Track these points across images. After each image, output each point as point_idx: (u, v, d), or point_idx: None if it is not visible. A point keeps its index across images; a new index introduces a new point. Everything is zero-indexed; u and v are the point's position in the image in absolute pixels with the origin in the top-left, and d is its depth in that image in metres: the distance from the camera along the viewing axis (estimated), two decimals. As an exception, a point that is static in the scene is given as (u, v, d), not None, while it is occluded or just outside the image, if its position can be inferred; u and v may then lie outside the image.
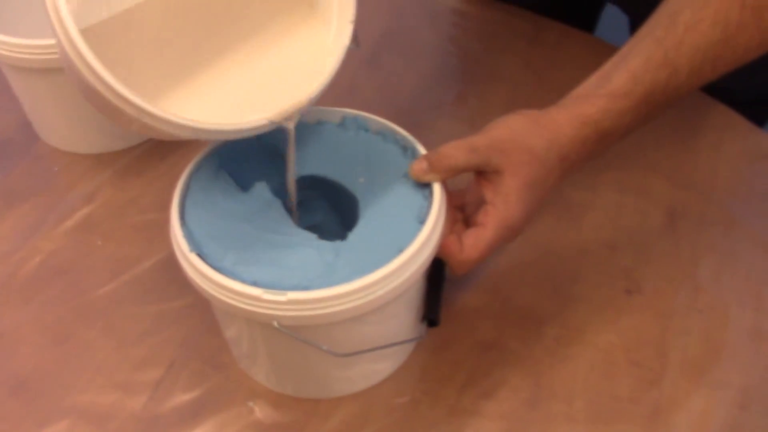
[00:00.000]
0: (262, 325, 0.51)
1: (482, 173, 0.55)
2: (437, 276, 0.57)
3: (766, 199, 0.70)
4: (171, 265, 0.66)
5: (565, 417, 0.56)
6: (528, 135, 0.54)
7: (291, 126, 0.53)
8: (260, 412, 0.58)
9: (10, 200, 0.73)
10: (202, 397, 0.59)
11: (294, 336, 0.50)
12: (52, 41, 0.67)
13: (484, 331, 0.61)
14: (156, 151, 0.77)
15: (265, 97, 0.54)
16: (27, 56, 0.68)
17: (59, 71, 0.69)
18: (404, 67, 0.84)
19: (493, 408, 0.57)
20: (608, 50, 0.57)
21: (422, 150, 0.56)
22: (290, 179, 0.56)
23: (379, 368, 0.58)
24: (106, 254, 0.68)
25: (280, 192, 0.57)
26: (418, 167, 0.54)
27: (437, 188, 0.54)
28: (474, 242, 0.53)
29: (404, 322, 0.56)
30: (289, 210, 0.56)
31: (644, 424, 0.56)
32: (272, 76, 0.56)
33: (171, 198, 0.71)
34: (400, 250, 0.50)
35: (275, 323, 0.49)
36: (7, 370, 0.61)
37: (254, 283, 0.49)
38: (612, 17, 0.94)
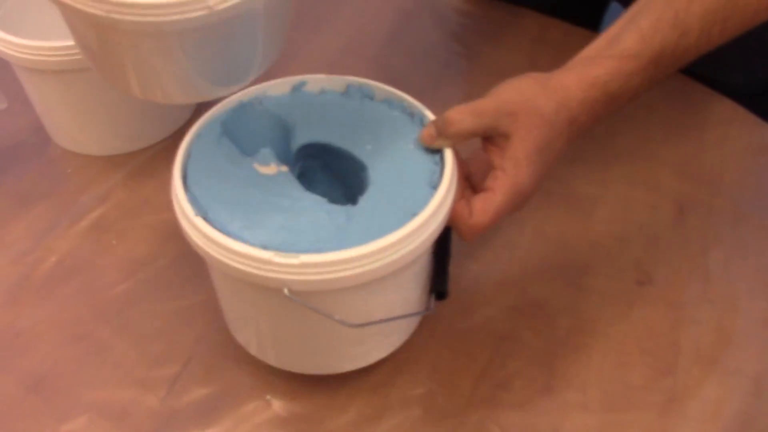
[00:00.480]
0: (269, 294, 0.49)
1: (489, 138, 0.54)
2: (444, 247, 0.56)
3: (773, 191, 0.71)
4: (186, 263, 0.67)
5: (580, 406, 0.57)
6: (537, 97, 0.53)
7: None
8: (278, 405, 0.58)
9: (23, 202, 0.73)
10: (220, 391, 0.59)
11: (304, 304, 0.48)
12: (64, 43, 0.67)
13: (497, 323, 0.62)
14: (168, 152, 0.76)
15: None
16: (40, 58, 0.69)
17: (72, 73, 0.70)
18: (411, 66, 0.85)
19: (509, 398, 0.58)
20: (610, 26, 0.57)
21: (430, 115, 0.56)
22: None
23: (387, 341, 0.57)
24: (121, 253, 0.69)
25: (283, 159, 0.56)
26: (427, 133, 0.54)
27: (448, 153, 0.53)
28: (483, 207, 0.52)
29: (414, 293, 0.55)
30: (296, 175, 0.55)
31: (658, 412, 0.57)
32: None
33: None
34: (414, 215, 0.49)
35: (286, 290, 0.47)
36: (26, 367, 0.61)
37: (264, 247, 0.47)
38: (616, 16, 0.95)
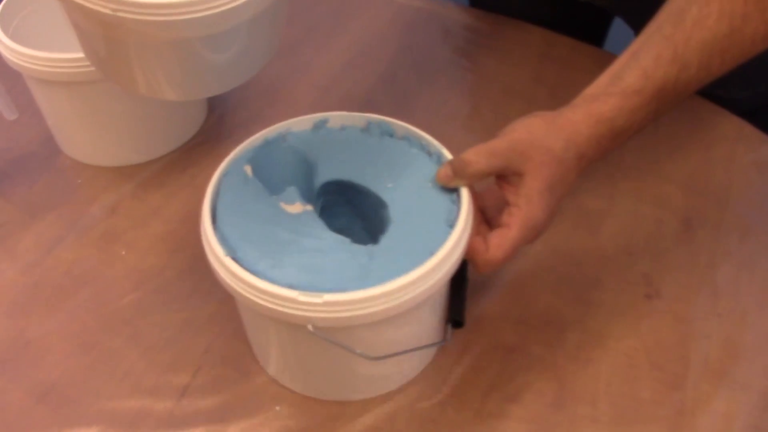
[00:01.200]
0: (294, 328, 0.51)
1: (503, 176, 0.56)
2: (460, 277, 0.58)
3: (780, 207, 0.71)
4: (194, 274, 0.68)
5: (590, 419, 0.57)
6: (546, 136, 0.55)
7: None
8: (287, 416, 0.58)
9: (33, 212, 0.74)
10: (229, 401, 0.59)
11: (326, 339, 0.50)
12: (75, 55, 0.68)
13: (506, 337, 0.62)
14: (177, 163, 0.78)
15: None
16: (51, 69, 0.69)
17: (83, 85, 0.71)
18: (419, 82, 0.86)
19: (518, 411, 0.58)
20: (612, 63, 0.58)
21: (447, 154, 0.58)
22: None
23: (405, 370, 0.59)
24: (130, 264, 0.69)
25: (309, 196, 0.58)
26: (444, 174, 0.56)
27: (464, 192, 0.55)
28: (499, 242, 0.54)
29: (430, 324, 0.57)
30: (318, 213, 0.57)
31: (668, 426, 0.57)
32: None
33: (193, 209, 0.72)
34: (432, 253, 0.51)
35: (310, 326, 0.49)
36: (35, 377, 0.61)
37: (290, 286, 0.50)
38: (620, 31, 0.96)
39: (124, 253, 0.70)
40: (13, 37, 0.71)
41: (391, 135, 0.61)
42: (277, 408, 0.59)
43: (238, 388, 0.60)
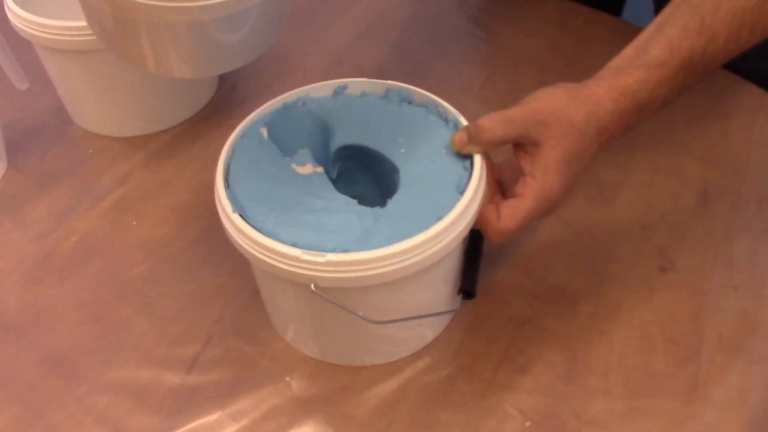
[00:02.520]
0: (299, 287, 0.51)
1: (521, 145, 0.55)
2: (475, 248, 0.57)
3: (800, 179, 0.70)
4: (205, 245, 0.67)
5: (602, 391, 0.56)
6: (567, 107, 0.54)
7: None
8: (297, 387, 0.58)
9: (44, 182, 0.74)
10: (239, 372, 0.59)
11: (329, 300, 0.50)
12: (84, 23, 0.67)
13: (518, 309, 0.61)
14: (188, 134, 0.77)
15: None
16: (61, 38, 0.69)
17: (94, 53, 0.70)
18: (433, 52, 0.85)
19: (529, 383, 0.57)
20: (635, 33, 0.57)
21: (464, 122, 0.57)
22: None
23: (417, 338, 0.59)
24: (141, 234, 0.69)
25: (322, 159, 0.58)
26: (459, 139, 0.55)
27: (478, 159, 0.54)
28: (512, 212, 0.53)
29: (440, 293, 0.57)
30: (330, 176, 0.57)
31: (682, 399, 0.56)
32: None
33: (204, 179, 0.72)
34: (439, 218, 0.50)
35: (312, 286, 0.49)
36: (47, 346, 0.61)
37: (294, 244, 0.50)
38: (638, 1, 0.94)
39: (135, 223, 0.70)
40: (23, 6, 0.70)
41: (410, 102, 0.60)
42: (287, 378, 0.58)
43: (249, 358, 0.60)
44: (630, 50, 0.56)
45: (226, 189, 0.54)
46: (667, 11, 0.56)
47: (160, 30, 0.56)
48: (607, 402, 0.56)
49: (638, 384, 0.57)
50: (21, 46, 0.74)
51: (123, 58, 0.62)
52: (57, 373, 0.60)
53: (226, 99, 0.81)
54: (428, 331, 0.59)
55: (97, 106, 0.76)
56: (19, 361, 0.61)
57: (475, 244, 0.58)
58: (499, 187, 0.58)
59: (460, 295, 0.57)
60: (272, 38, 0.63)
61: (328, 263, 0.49)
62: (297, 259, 0.49)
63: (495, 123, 0.54)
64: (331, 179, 0.57)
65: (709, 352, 0.58)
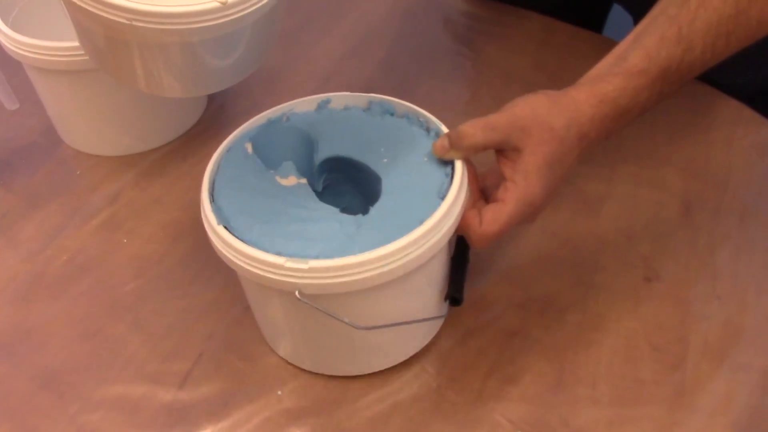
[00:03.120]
0: (285, 295, 0.52)
1: (502, 151, 0.55)
2: (461, 255, 0.58)
3: (780, 189, 0.71)
4: (195, 261, 0.68)
5: (590, 400, 0.57)
6: (548, 113, 0.54)
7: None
8: (289, 400, 0.58)
9: (34, 201, 0.74)
10: (231, 386, 0.59)
11: (315, 307, 0.51)
12: (75, 43, 0.68)
13: (507, 320, 0.62)
14: (178, 151, 0.78)
15: None
16: (51, 58, 0.70)
17: (83, 73, 0.71)
18: (418, 68, 0.86)
19: (518, 393, 0.58)
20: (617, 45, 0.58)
21: (445, 130, 0.58)
22: None
23: (404, 347, 0.59)
24: (132, 252, 0.69)
25: (307, 172, 0.59)
26: (440, 145, 0.56)
27: (459, 165, 0.55)
28: (493, 216, 0.54)
29: (426, 299, 0.57)
30: (315, 188, 0.58)
31: (668, 407, 0.57)
32: None
33: (194, 197, 0.72)
34: (420, 223, 0.51)
35: (297, 293, 0.50)
36: (38, 364, 0.62)
37: (278, 253, 0.50)
38: (619, 17, 0.96)
39: (125, 241, 0.70)
40: (13, 27, 0.71)
41: (392, 113, 0.61)
42: (279, 392, 0.59)
43: (240, 373, 0.60)
44: (609, 59, 0.57)
45: (211, 203, 0.55)
46: (645, 21, 0.57)
47: (152, 50, 0.57)
48: (596, 410, 0.57)
49: (625, 392, 0.58)
50: (11, 67, 0.75)
51: (114, 77, 0.63)
52: (49, 390, 0.60)
53: (215, 117, 0.82)
54: (417, 339, 0.60)
55: (87, 126, 0.77)
56: (11, 378, 0.61)
57: (460, 250, 0.58)
58: (483, 194, 0.58)
59: (447, 302, 0.58)
60: (262, 58, 0.64)
61: (311, 270, 0.50)
62: (281, 267, 0.50)
63: (476, 129, 0.55)
64: (316, 192, 0.58)
65: (695, 359, 0.59)
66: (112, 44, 0.59)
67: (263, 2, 0.55)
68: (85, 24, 0.59)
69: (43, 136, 0.80)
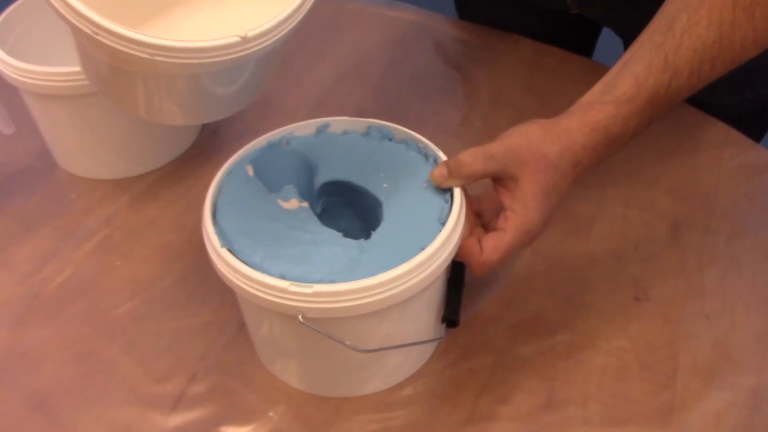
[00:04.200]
0: (287, 318, 0.52)
1: (499, 180, 0.57)
2: (458, 278, 0.59)
3: (766, 210, 0.72)
4: (189, 283, 0.68)
5: (581, 419, 0.58)
6: (542, 142, 0.56)
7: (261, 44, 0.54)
8: (281, 422, 0.59)
9: (29, 225, 0.74)
10: (224, 408, 0.60)
11: (317, 330, 0.51)
12: (71, 69, 0.69)
13: (498, 339, 0.63)
14: (173, 175, 0.79)
15: (237, 22, 0.56)
16: (47, 83, 0.70)
17: (79, 98, 0.72)
18: (410, 93, 0.87)
19: (510, 412, 0.58)
20: (605, 72, 0.59)
21: (443, 157, 0.59)
22: None
23: (400, 370, 0.60)
24: (126, 274, 0.70)
25: (307, 195, 0.60)
26: (439, 173, 0.57)
27: (457, 192, 0.56)
28: (494, 245, 0.55)
29: (425, 321, 0.58)
30: (315, 211, 0.59)
31: (658, 426, 0.57)
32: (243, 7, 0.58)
33: (188, 219, 0.73)
34: (422, 248, 0.52)
35: (300, 317, 0.51)
36: (31, 386, 0.62)
37: (282, 276, 0.51)
38: (608, 41, 0.98)
39: (119, 263, 0.71)
40: (10, 52, 0.72)
41: (390, 139, 0.62)
42: (271, 414, 0.59)
43: (233, 393, 0.60)
44: (599, 87, 0.58)
45: (214, 225, 0.55)
46: (632, 49, 0.58)
47: (159, 80, 0.57)
48: (586, 429, 0.57)
49: (616, 411, 0.58)
50: (7, 91, 0.75)
51: (115, 103, 0.63)
52: (41, 413, 0.60)
53: (209, 141, 0.83)
54: (412, 361, 0.60)
55: (82, 150, 0.77)
56: (3, 401, 0.61)
57: (457, 273, 0.59)
58: (479, 219, 0.60)
59: (444, 324, 0.59)
60: (264, 87, 0.65)
61: (315, 294, 0.50)
62: (285, 290, 0.51)
63: (476, 158, 0.56)
64: (316, 215, 0.58)
65: (684, 378, 0.60)
66: (116, 73, 0.59)
67: (280, 35, 0.56)
68: (93, 53, 0.59)
69: (38, 160, 0.81)
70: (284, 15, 0.54)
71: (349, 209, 0.62)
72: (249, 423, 0.59)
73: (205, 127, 0.84)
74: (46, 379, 0.62)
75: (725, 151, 0.77)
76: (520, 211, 0.56)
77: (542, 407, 0.58)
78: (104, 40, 0.51)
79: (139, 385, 0.61)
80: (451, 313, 0.58)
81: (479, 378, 0.60)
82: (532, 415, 0.58)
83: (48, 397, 0.61)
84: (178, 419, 0.59)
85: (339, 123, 0.63)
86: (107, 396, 0.61)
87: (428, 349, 0.61)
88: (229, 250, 0.53)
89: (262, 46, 0.55)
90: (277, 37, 0.56)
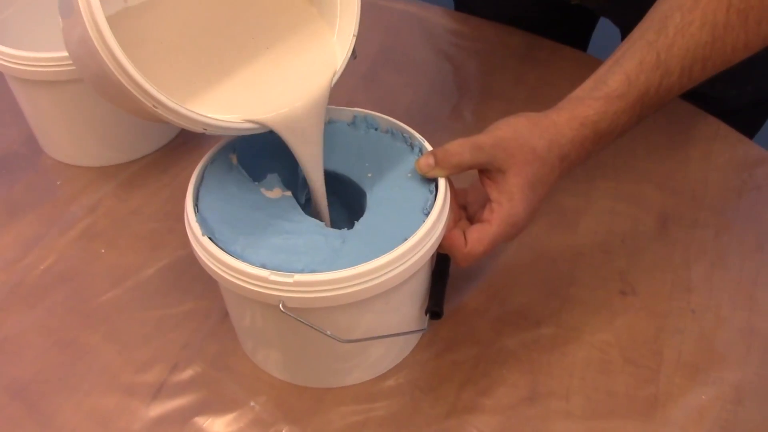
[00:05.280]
0: (268, 308, 0.52)
1: (486, 172, 0.56)
2: (442, 269, 0.59)
3: (755, 205, 0.72)
4: (173, 272, 0.68)
5: (564, 413, 0.57)
6: (530, 136, 0.56)
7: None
8: (262, 412, 0.58)
9: (13, 212, 0.74)
10: (205, 398, 0.59)
11: (298, 320, 0.51)
12: (56, 54, 0.68)
13: (482, 332, 0.62)
14: (158, 163, 0.78)
15: (264, 99, 0.55)
16: (32, 68, 0.70)
17: (64, 84, 0.71)
18: (401, 83, 0.87)
19: (492, 405, 0.58)
20: (597, 66, 0.59)
21: (429, 147, 0.58)
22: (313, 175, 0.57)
23: (382, 361, 0.60)
24: (109, 262, 0.69)
25: (291, 185, 0.59)
26: (425, 162, 0.56)
27: (442, 183, 0.56)
28: (479, 237, 0.55)
29: (408, 313, 0.58)
30: (299, 201, 0.58)
31: (641, 420, 0.57)
32: (274, 81, 0.58)
33: (173, 208, 0.73)
34: (405, 239, 0.52)
35: (281, 306, 0.50)
36: (11, 374, 0.61)
37: (263, 266, 0.51)
38: (604, 34, 0.97)
39: (103, 251, 0.70)
40: (-5, 37, 0.71)
41: (376, 128, 0.62)
42: (252, 404, 0.59)
43: (214, 384, 0.60)
44: (589, 82, 0.58)
45: (195, 213, 0.55)
46: (624, 46, 0.58)
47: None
48: (569, 423, 0.57)
49: (599, 405, 0.58)
50: (-8, 77, 0.75)
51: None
52: (21, 401, 0.60)
53: (196, 129, 0.82)
54: (395, 353, 0.60)
55: (68, 137, 0.77)
56: (-17, 388, 0.60)
57: (442, 265, 0.59)
58: (465, 211, 0.59)
59: (428, 316, 0.58)
60: None
61: (296, 283, 0.50)
62: (265, 280, 0.50)
63: (463, 148, 0.55)
64: (300, 204, 0.58)
65: (668, 372, 0.59)
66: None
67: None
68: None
69: (23, 146, 0.80)
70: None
71: (334, 199, 0.61)
72: (230, 412, 0.58)
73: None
74: (27, 367, 0.62)
75: (715, 146, 0.77)
76: (506, 203, 0.55)
77: (525, 400, 0.58)
78: (162, 114, 0.50)
79: (121, 373, 0.61)
80: (434, 305, 0.58)
81: (462, 370, 0.60)
82: (515, 408, 0.58)
83: (28, 385, 0.61)
84: (158, 408, 0.59)
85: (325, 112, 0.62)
86: (88, 384, 0.60)
87: (411, 341, 0.61)
88: (211, 239, 0.53)
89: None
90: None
